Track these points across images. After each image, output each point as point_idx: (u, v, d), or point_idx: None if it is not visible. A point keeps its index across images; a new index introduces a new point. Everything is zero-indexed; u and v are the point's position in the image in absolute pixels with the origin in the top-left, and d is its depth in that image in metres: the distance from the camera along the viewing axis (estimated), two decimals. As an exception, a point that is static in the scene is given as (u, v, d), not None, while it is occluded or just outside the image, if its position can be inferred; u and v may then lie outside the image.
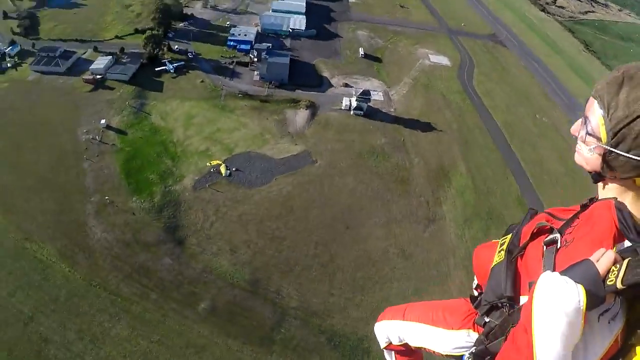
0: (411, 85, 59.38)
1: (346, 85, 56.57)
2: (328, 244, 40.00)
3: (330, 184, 45.15)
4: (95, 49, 57.42)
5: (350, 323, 34.96)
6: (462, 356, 2.68)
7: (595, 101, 1.87)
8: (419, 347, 3.03)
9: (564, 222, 2.11)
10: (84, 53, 57.12)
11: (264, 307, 35.47)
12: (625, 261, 1.56)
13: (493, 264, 2.39)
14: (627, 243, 1.77)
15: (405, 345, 3.13)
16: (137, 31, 60.35)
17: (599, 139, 1.86)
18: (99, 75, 52.80)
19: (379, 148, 48.84)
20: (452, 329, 2.78)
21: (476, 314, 2.66)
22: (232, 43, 59.87)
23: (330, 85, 56.37)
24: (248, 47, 59.66)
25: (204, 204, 41.17)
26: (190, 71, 55.30)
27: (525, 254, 2.21)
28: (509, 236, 2.42)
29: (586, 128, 1.92)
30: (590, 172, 2.03)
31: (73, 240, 37.76)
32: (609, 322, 1.61)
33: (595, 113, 1.88)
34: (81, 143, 45.15)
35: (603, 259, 1.60)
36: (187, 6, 68.35)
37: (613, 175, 1.92)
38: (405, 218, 42.59)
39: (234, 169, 44.48)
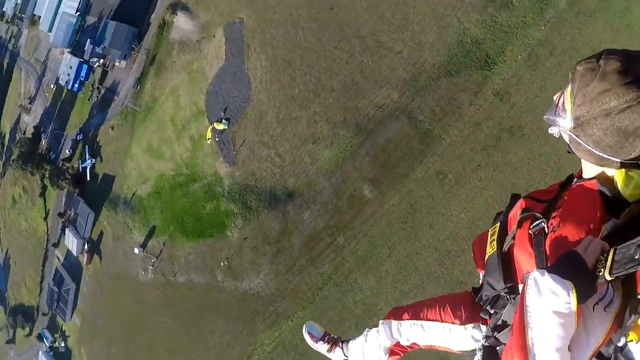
0: None
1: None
2: (343, 35, 31.63)
3: (273, 12, 35.14)
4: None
5: (437, 50, 28.02)
6: (473, 351, 2.54)
7: (570, 82, 1.72)
8: (428, 346, 2.87)
9: (547, 204, 1.97)
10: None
11: (396, 122, 28.75)
12: (612, 250, 1.46)
13: (487, 257, 2.23)
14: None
15: (412, 345, 2.97)
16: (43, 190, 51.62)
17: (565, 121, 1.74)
18: (85, 245, 45.25)
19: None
20: (461, 324, 2.62)
21: (481, 307, 2.43)
22: (75, 85, 48.24)
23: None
24: (85, 69, 47.80)
25: (256, 157, 33.50)
26: (97, 141, 45.69)
27: (515, 242, 2.03)
28: (498, 225, 2.24)
29: (557, 105, 1.77)
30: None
31: (263, 310, 32.37)
32: (604, 310, 1.54)
33: (567, 94, 1.72)
34: (157, 280, 38.60)
35: (590, 249, 1.50)
36: (24, 133, 57.90)
37: (583, 158, 1.80)
38: None
39: (222, 114, 35.53)
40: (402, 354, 3.15)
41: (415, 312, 2.85)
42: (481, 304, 2.39)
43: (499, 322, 2.19)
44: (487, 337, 2.30)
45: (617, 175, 1.66)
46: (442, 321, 2.67)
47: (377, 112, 30.18)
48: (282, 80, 33.64)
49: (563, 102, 1.71)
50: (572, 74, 1.68)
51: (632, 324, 1.50)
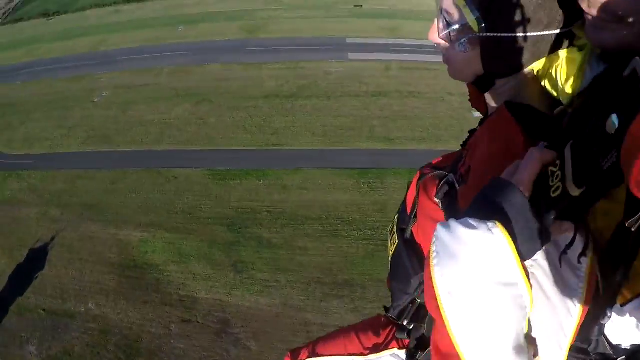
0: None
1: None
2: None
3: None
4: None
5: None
6: None
7: None
8: None
9: (452, 162, 1.43)
10: None
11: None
12: (568, 147, 0.78)
13: (389, 257, 1.67)
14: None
15: None
16: None
17: (469, 29, 1.20)
18: None
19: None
20: (372, 353, 1.92)
21: (397, 325, 1.74)
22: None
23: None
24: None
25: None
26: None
27: (419, 220, 1.49)
28: (396, 215, 1.69)
29: (448, 23, 1.26)
30: (476, 83, 1.31)
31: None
32: (579, 261, 0.83)
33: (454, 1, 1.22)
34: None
35: (524, 164, 0.83)
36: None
37: (505, 69, 1.23)
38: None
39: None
40: None
41: (315, 348, 2.15)
42: (395, 320, 1.71)
43: (422, 339, 1.59)
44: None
45: (561, 64, 1.11)
46: (348, 354, 1.99)
47: None
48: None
49: (455, 16, 1.20)
50: None
51: (623, 280, 0.83)
